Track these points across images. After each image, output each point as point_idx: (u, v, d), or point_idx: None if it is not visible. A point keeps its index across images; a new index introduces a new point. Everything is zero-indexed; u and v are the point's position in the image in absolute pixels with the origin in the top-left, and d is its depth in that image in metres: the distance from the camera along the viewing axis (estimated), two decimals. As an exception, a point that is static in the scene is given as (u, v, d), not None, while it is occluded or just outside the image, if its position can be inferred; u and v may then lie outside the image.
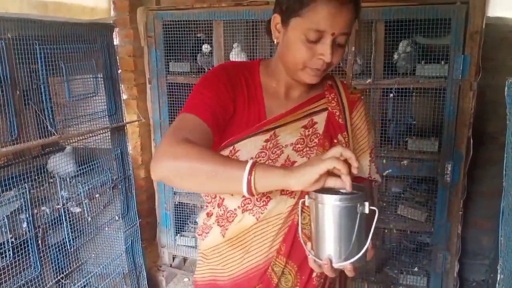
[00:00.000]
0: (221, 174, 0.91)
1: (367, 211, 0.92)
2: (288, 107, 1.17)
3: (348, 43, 1.12)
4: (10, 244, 1.82)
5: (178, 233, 3.11)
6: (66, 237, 2.14)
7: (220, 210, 1.17)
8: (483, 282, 2.88)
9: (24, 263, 1.92)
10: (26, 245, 1.93)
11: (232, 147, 1.12)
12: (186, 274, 3.14)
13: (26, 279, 1.92)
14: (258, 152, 1.12)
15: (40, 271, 2.00)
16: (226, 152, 1.12)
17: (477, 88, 2.25)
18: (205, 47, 2.75)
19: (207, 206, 1.25)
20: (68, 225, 2.13)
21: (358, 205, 0.92)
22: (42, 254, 2.00)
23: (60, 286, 2.17)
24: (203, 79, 1.14)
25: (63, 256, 2.15)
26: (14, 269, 1.85)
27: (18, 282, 1.88)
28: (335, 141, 1.17)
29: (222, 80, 1.12)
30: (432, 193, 2.58)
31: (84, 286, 2.31)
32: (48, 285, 2.04)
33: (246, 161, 0.91)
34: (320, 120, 1.18)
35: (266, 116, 1.15)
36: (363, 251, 0.93)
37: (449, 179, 2.37)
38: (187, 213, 3.22)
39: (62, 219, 2.10)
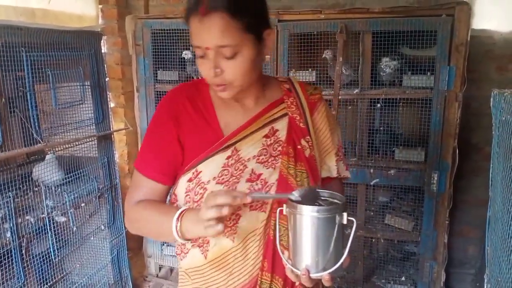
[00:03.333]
0: (162, 229, 1.06)
1: (345, 221, 0.92)
2: (245, 118, 1.14)
3: (242, 55, 1.01)
4: (-7, 254, 1.78)
5: (165, 243, 3.08)
6: (51, 247, 2.10)
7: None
8: (469, 291, 2.90)
9: (8, 273, 1.88)
10: (9, 255, 1.89)
11: (194, 169, 1.11)
12: (173, 285, 3.10)
13: (9, 290, 1.88)
14: (220, 171, 1.10)
15: (24, 281, 1.96)
16: (189, 175, 1.11)
17: (462, 99, 2.29)
18: (185, 53, 2.74)
19: None
20: (53, 235, 2.10)
21: (337, 216, 0.91)
22: (26, 264, 1.96)
23: (44, 297, 2.12)
24: (151, 121, 1.18)
25: (47, 266, 2.11)
26: (-4, 280, 1.81)
27: (1, 293, 1.84)
28: (299, 147, 1.15)
29: (162, 121, 1.14)
30: (418, 202, 2.60)
31: (69, 297, 2.27)
32: (31, 296, 2.00)
33: (177, 210, 1.03)
34: (281, 126, 1.16)
35: (223, 131, 1.13)
36: (340, 261, 0.93)
37: (436, 188, 2.40)
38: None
39: (47, 229, 2.07)
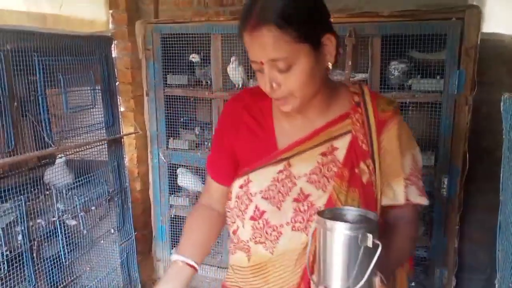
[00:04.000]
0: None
1: (369, 244, 0.85)
2: (305, 132, 1.08)
3: (297, 67, 0.97)
4: (4, 257, 1.80)
5: (174, 246, 3.09)
6: (61, 250, 2.12)
7: (235, 238, 1.18)
8: (480, 297, 2.86)
9: (19, 276, 1.89)
10: (21, 258, 1.90)
11: (246, 176, 1.12)
12: (182, 288, 3.11)
13: (20, 292, 1.90)
14: (268, 185, 1.09)
15: (35, 284, 1.97)
16: (241, 181, 1.13)
17: (473, 102, 2.27)
18: (193, 57, 2.76)
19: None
20: (64, 238, 2.11)
21: (360, 236, 0.85)
22: (37, 267, 1.98)
23: (54, 300, 2.14)
24: (217, 126, 1.25)
25: (57, 269, 2.13)
26: (8, 282, 1.82)
27: (12, 296, 1.86)
28: (356, 170, 1.05)
29: (222, 128, 1.20)
30: (429, 207, 2.57)
31: (78, 300, 2.29)
32: (42, 299, 2.02)
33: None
34: (342, 145, 1.07)
35: (278, 143, 1.10)
36: (359, 284, 0.86)
37: (446, 193, 2.38)
38: (183, 227, 3.20)
39: (58, 232, 2.09)
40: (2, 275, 1.79)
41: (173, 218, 3.04)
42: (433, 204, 2.45)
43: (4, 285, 1.81)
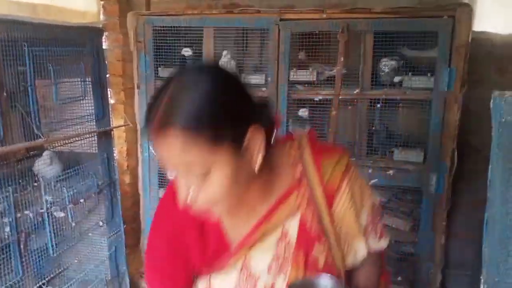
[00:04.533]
0: None
1: None
2: (252, 221, 0.96)
3: (218, 173, 0.83)
4: (-9, 248, 1.79)
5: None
6: (49, 242, 2.10)
7: None
8: (466, 293, 2.90)
9: (6, 267, 1.88)
10: (8, 249, 1.89)
11: (207, 278, 1.01)
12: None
13: (7, 284, 1.89)
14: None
15: (22, 276, 1.96)
16: (203, 285, 1.02)
17: (462, 100, 2.29)
18: (185, 50, 2.75)
19: None
20: (51, 230, 2.10)
21: None
22: (24, 259, 1.96)
23: (42, 292, 2.13)
24: (149, 236, 1.05)
25: (45, 261, 2.11)
26: (-6, 274, 1.81)
27: (-2, 288, 1.84)
28: (312, 253, 0.96)
29: (166, 247, 1.01)
30: (416, 203, 2.60)
31: (66, 292, 2.27)
32: (29, 291, 2.01)
33: None
34: (292, 227, 0.96)
35: (231, 240, 0.98)
36: None
37: (434, 190, 2.40)
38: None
39: (46, 224, 2.07)
40: (-11, 266, 1.78)
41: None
42: (421, 200, 2.47)
43: (-9, 276, 1.79)
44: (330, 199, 0.96)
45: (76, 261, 2.40)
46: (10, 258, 1.91)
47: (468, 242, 2.92)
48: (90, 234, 2.44)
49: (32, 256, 2.02)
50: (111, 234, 2.56)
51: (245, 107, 0.86)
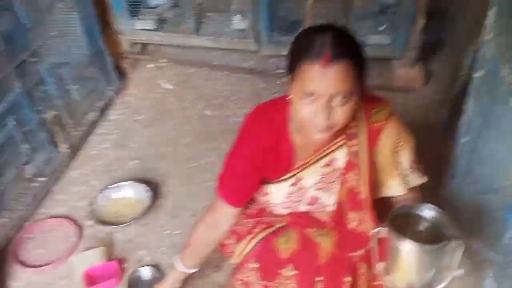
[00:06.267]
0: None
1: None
2: (311, 148, 1.24)
3: (351, 102, 1.06)
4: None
5: (134, 15, 2.90)
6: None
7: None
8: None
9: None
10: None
11: (264, 187, 1.32)
12: (151, 59, 3.05)
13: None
14: (285, 196, 1.32)
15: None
16: (263, 190, 1.34)
17: None
18: None
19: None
20: None
21: (443, 249, 0.99)
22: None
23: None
24: (234, 151, 1.28)
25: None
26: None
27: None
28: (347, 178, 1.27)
29: (249, 164, 1.25)
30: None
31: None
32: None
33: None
34: (340, 156, 1.25)
35: (296, 160, 1.26)
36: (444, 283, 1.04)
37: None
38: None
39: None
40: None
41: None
42: None
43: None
44: (373, 137, 1.21)
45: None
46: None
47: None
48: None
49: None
50: (80, 8, 2.32)
51: None
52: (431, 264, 1.03)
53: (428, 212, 1.10)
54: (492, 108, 1.39)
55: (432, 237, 1.05)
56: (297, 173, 1.27)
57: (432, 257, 1.02)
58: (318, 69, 0.99)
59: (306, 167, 1.26)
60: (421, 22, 2.53)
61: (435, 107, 2.55)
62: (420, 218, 1.11)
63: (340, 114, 1.05)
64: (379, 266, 1.16)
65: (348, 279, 1.28)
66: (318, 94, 1.02)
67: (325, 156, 1.25)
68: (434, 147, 2.03)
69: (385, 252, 1.12)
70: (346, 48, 1.01)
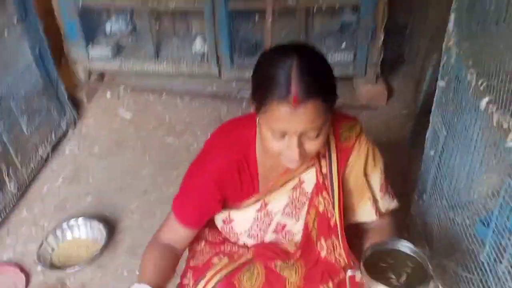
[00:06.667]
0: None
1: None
2: (278, 171, 1.15)
3: (324, 132, 1.00)
4: None
5: (90, 43, 2.79)
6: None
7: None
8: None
9: None
10: None
11: (227, 213, 1.21)
12: (108, 88, 2.92)
13: None
14: (251, 223, 1.21)
15: None
16: (223, 216, 1.22)
17: None
18: None
19: None
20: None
21: None
22: None
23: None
24: (193, 167, 1.18)
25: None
26: None
27: None
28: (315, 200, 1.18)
29: (206, 182, 1.14)
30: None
31: None
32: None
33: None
34: (308, 177, 1.16)
35: (260, 187, 1.17)
36: None
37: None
38: (96, 19, 2.86)
39: None
40: None
41: (81, 11, 2.66)
42: None
43: None
44: (343, 157, 1.15)
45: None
46: None
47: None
48: (6, 35, 2.08)
49: None
50: (30, 34, 2.21)
51: None
52: None
53: (404, 248, 0.99)
54: (457, 118, 1.34)
55: (410, 276, 0.95)
56: (264, 196, 1.18)
57: None
58: (286, 110, 0.91)
59: (273, 190, 1.17)
60: (380, 38, 2.53)
61: (398, 124, 2.53)
62: (396, 255, 0.99)
63: (313, 145, 1.00)
64: None
65: None
66: (288, 133, 0.95)
67: (293, 177, 1.17)
68: (400, 164, 1.98)
69: None
70: (315, 83, 0.93)
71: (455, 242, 1.48)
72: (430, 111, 1.66)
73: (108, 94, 2.90)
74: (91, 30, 2.77)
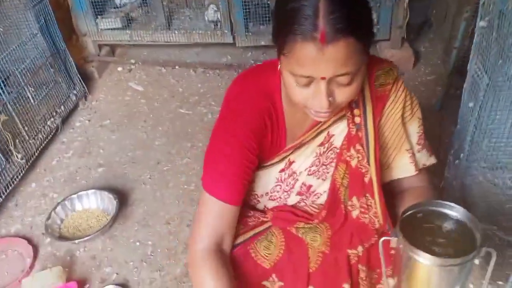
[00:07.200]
0: None
1: (477, 262, 0.76)
2: (305, 126, 1.02)
3: (357, 78, 0.84)
4: None
5: (98, 15, 2.68)
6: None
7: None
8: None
9: None
10: None
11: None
12: (119, 62, 2.83)
13: None
14: (273, 186, 1.09)
15: None
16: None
17: None
18: None
19: None
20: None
21: (469, 264, 0.76)
22: None
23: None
24: (221, 131, 0.99)
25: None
26: None
27: None
28: (348, 153, 1.03)
29: (245, 142, 0.96)
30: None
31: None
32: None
33: None
34: (339, 131, 1.02)
35: (287, 143, 1.03)
36: None
37: None
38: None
39: None
40: None
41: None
42: None
43: None
44: (378, 106, 1.00)
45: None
46: None
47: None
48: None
49: None
50: (34, 2, 2.11)
51: None
52: (455, 280, 0.79)
53: (449, 211, 0.83)
54: (502, 59, 1.18)
55: (455, 243, 0.80)
56: (290, 154, 1.04)
57: (458, 272, 0.77)
58: (312, 50, 0.76)
59: (299, 147, 1.03)
60: (405, -1, 2.35)
61: (426, 89, 2.36)
62: (438, 219, 0.83)
63: (345, 94, 0.84)
64: (389, 283, 0.93)
65: (346, 286, 1.04)
66: (315, 78, 0.80)
67: (321, 132, 1.02)
68: (431, 128, 1.82)
69: (396, 264, 0.88)
70: (349, 17, 0.75)
71: (496, 205, 1.36)
72: (462, 71, 1.51)
73: (120, 68, 2.81)
74: (100, 2, 2.66)
